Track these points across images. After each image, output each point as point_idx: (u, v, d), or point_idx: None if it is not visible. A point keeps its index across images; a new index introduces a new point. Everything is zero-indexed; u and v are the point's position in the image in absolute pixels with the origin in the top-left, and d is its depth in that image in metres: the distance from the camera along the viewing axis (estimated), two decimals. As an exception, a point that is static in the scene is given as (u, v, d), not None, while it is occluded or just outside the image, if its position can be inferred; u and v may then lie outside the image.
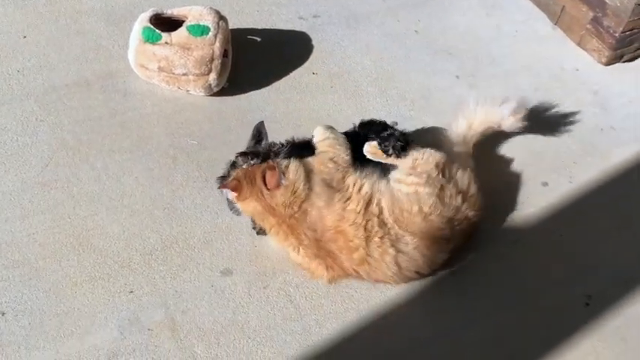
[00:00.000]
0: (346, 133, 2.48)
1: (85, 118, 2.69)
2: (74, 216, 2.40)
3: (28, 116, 2.66)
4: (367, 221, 2.21)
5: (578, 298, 2.40)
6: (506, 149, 2.79)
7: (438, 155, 2.40)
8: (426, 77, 3.04)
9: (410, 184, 2.30)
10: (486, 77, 3.06)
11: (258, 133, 2.45)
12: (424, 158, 2.37)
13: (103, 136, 2.64)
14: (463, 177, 2.38)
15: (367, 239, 2.20)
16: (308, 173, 2.26)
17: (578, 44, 3.22)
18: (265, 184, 2.21)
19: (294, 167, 2.25)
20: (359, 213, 2.21)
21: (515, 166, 2.74)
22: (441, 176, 2.33)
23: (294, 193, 2.21)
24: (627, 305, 2.37)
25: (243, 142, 2.51)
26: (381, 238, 2.21)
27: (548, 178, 2.71)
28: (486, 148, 2.69)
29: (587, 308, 2.38)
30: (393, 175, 2.36)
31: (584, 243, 2.54)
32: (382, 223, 2.23)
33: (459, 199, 2.33)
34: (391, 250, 2.20)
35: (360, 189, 2.26)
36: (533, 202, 2.63)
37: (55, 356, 2.08)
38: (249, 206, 2.26)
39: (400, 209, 2.25)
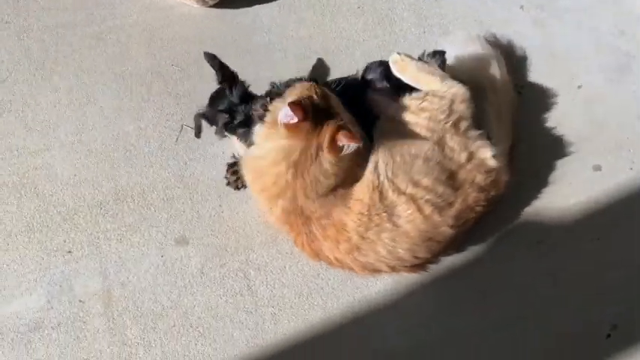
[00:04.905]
0: (347, 81, 2.05)
1: (58, 23, 2.29)
2: (23, 149, 2.09)
3: (-6, 15, 2.30)
4: (370, 206, 1.81)
5: (600, 325, 1.95)
6: (557, 113, 2.22)
7: (459, 90, 1.95)
8: (480, 4, 2.42)
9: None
10: (558, 12, 2.40)
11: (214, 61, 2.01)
12: (442, 90, 1.95)
13: (74, 49, 2.25)
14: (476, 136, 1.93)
15: (367, 225, 1.81)
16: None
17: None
18: (334, 141, 1.74)
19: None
20: (364, 201, 1.82)
21: (563, 139, 2.18)
22: (448, 124, 1.90)
23: (338, 170, 1.80)
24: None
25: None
26: (379, 214, 1.81)
27: (602, 161, 2.15)
28: (530, 108, 2.15)
29: (608, 340, 1.93)
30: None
31: (626, 253, 2.03)
32: (382, 196, 1.82)
33: (464, 156, 1.88)
34: (388, 225, 1.81)
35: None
36: (574, 191, 2.10)
37: (-29, 320, 1.87)
38: (282, 141, 1.77)
39: (395, 155, 1.85)
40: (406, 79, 2.00)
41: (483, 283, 1.98)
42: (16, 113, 2.13)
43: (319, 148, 1.75)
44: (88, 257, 1.95)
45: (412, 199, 1.80)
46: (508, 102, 2.13)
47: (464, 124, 1.92)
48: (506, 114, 2.10)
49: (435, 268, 1.96)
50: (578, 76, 2.28)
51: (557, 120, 2.20)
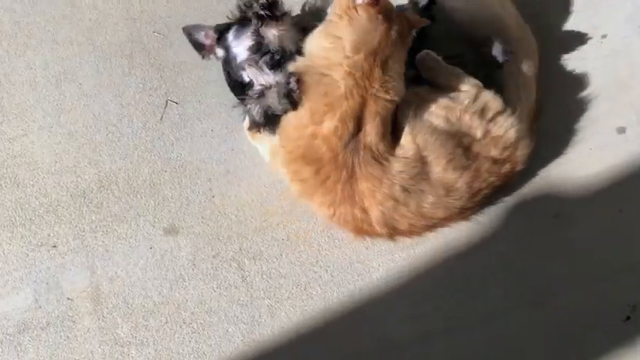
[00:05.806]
0: None
1: (28, -11, 2.10)
2: (0, 135, 1.96)
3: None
4: (415, 153, 1.73)
5: (618, 306, 1.83)
6: (576, 67, 2.00)
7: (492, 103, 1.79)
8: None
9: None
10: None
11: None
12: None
13: (48, 18, 2.07)
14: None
15: (410, 173, 1.72)
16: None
17: None
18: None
19: None
20: (407, 147, 1.73)
21: (583, 98, 1.98)
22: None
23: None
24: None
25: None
26: (416, 164, 1.73)
27: (627, 122, 1.95)
28: (543, 61, 1.94)
29: (626, 323, 1.81)
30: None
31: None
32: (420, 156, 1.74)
33: (479, 132, 1.76)
34: (423, 175, 1.73)
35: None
36: (595, 157, 1.93)
37: (-42, 323, 1.81)
38: (359, 27, 1.67)
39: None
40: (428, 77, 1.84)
41: (492, 264, 1.85)
42: (-10, 96, 2.00)
43: (406, 23, 1.71)
44: (74, 251, 1.86)
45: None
46: (527, 54, 1.92)
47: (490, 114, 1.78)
48: (528, 70, 1.90)
49: (440, 250, 1.84)
50: (602, 24, 2.04)
51: (576, 75, 1.99)
